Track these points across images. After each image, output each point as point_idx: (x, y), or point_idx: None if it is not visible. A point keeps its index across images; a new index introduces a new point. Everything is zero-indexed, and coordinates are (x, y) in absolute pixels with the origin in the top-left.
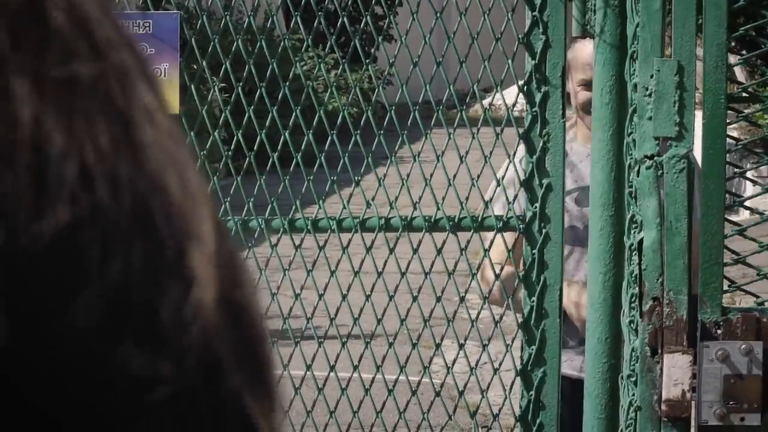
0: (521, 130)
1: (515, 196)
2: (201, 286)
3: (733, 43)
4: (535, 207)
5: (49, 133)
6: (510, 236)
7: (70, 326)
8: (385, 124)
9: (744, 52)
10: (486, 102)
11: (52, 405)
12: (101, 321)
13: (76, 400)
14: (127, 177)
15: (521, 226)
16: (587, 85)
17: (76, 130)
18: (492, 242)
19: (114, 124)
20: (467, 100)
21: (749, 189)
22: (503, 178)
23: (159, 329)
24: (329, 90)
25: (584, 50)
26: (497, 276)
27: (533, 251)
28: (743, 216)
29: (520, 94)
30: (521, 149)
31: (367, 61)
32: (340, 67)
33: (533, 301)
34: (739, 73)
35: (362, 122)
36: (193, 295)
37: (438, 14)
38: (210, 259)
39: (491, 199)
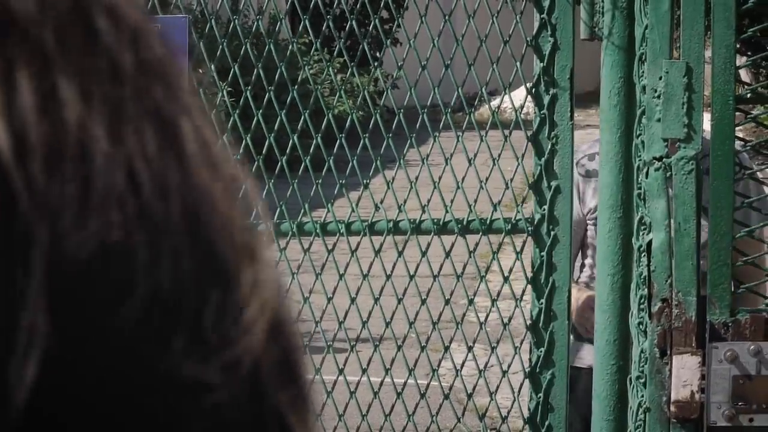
0: (529, 133)
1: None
2: (250, 300)
3: (738, 45)
4: (544, 209)
5: (96, 137)
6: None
7: (117, 332)
8: (393, 127)
9: (749, 53)
10: (494, 104)
11: (98, 409)
12: (149, 327)
13: (122, 405)
14: (175, 184)
15: (530, 228)
16: None
17: (123, 134)
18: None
19: (160, 131)
20: (475, 103)
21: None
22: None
23: (207, 339)
24: (337, 93)
25: None
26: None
27: (542, 253)
28: None
29: (528, 97)
30: (584, 147)
31: (375, 64)
32: (348, 70)
33: (542, 303)
34: (744, 75)
35: (370, 125)
36: (243, 309)
37: (446, 17)
38: (258, 274)
39: (499, 202)
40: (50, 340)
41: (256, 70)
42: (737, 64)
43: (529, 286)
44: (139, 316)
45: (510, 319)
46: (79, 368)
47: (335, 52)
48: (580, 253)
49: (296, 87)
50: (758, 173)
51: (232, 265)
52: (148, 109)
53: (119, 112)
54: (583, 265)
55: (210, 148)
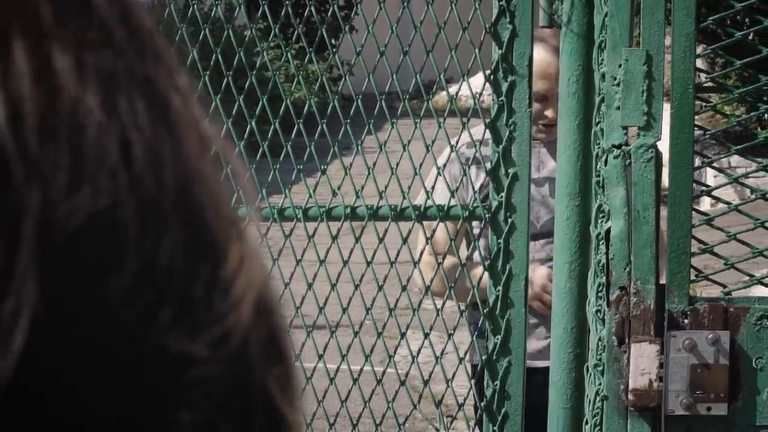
0: (487, 120)
1: (482, 185)
2: (238, 276)
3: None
4: (501, 196)
5: (90, 107)
6: (449, 225)
7: (105, 303)
8: (351, 113)
9: (706, 42)
10: (452, 91)
11: (84, 380)
12: (137, 299)
13: (108, 378)
14: (168, 158)
15: (487, 215)
16: (538, 99)
17: (116, 105)
18: (434, 232)
19: (153, 103)
20: (433, 90)
21: (710, 179)
22: (444, 166)
23: (196, 313)
24: (295, 80)
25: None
26: (439, 265)
27: (499, 240)
28: (705, 206)
29: (487, 84)
30: (464, 136)
31: (334, 50)
32: (306, 57)
33: (499, 291)
34: (700, 64)
35: (328, 112)
36: (232, 285)
37: (404, 3)
38: (245, 250)
39: (433, 188)
40: (38, 310)
41: (214, 56)
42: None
43: (486, 273)
44: (127, 288)
45: (467, 306)
46: (66, 340)
47: (293, 38)
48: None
49: (254, 72)
50: (715, 163)
51: (221, 240)
52: (141, 81)
53: (113, 84)
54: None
55: (199, 124)
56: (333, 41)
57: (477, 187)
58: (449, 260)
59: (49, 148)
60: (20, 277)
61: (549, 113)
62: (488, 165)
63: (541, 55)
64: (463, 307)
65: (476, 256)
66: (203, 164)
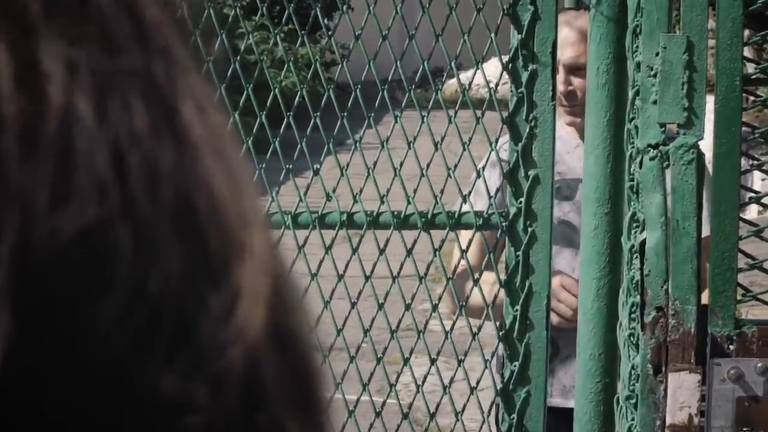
0: (505, 114)
1: (497, 189)
2: (247, 303)
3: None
4: (520, 202)
5: (80, 114)
6: (468, 235)
7: (91, 337)
8: (348, 104)
9: (754, 27)
10: (463, 78)
11: (64, 423)
12: (128, 333)
13: (96, 422)
14: (167, 169)
15: (504, 223)
16: (566, 68)
17: (111, 112)
18: (463, 244)
19: (155, 109)
20: (444, 78)
21: (758, 183)
22: (483, 168)
23: (196, 347)
24: (285, 66)
25: (564, 26)
26: (475, 282)
27: (517, 253)
28: (752, 214)
29: (504, 74)
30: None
31: (328, 32)
32: (299, 40)
33: (516, 311)
34: (747, 52)
35: (322, 103)
36: (238, 312)
37: None
38: (259, 274)
39: (470, 193)
40: (11, 342)
41: (194, 37)
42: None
43: (502, 291)
44: (116, 317)
45: (480, 328)
46: (45, 376)
47: (284, 18)
48: None
49: (237, 58)
50: (765, 166)
51: (227, 261)
52: (144, 84)
53: (109, 87)
54: None
55: (214, 132)
56: (326, 22)
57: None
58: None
59: (31, 159)
60: None
61: (578, 87)
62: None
63: (564, 31)
64: (475, 329)
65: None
66: (214, 178)
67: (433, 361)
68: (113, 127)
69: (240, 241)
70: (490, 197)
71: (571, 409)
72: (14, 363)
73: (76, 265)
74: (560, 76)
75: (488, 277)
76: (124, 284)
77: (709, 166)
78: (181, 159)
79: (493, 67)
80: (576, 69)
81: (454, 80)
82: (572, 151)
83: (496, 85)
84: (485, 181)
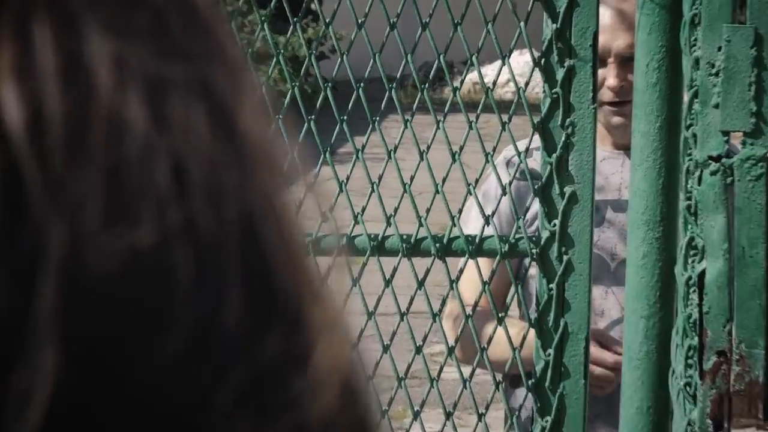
0: (537, 119)
1: (493, 212)
2: (321, 349)
3: None
4: (554, 225)
5: (134, 116)
6: (485, 264)
7: (146, 379)
8: (350, 107)
9: None
10: (475, 76)
11: None
12: (187, 372)
13: None
14: (232, 187)
15: (534, 250)
16: (605, 60)
17: (168, 115)
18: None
19: (217, 119)
20: (463, 76)
21: None
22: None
23: (266, 395)
24: (274, 59)
25: (611, 10)
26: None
27: (550, 285)
28: None
29: (536, 71)
30: (509, 150)
31: (327, 21)
32: (290, 28)
33: (549, 355)
34: None
35: (318, 104)
36: (312, 358)
37: None
38: (329, 314)
39: (493, 213)
40: (62, 383)
41: None
42: None
43: (532, 331)
44: (176, 356)
45: (504, 377)
46: (96, 422)
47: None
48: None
49: None
50: None
51: (297, 297)
52: (200, 86)
53: (164, 86)
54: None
55: (270, 144)
56: (314, 6)
57: (521, 212)
58: (480, 313)
59: (79, 166)
60: (36, 339)
61: (624, 80)
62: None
63: (613, 16)
64: (499, 378)
65: (514, 309)
66: (275, 196)
67: (448, 415)
68: (172, 135)
69: (311, 277)
70: (517, 218)
71: None
72: (61, 406)
73: (131, 292)
74: (611, 69)
75: (511, 319)
76: (184, 319)
77: None
78: (244, 175)
79: (515, 63)
80: (631, 60)
81: (468, 78)
82: (607, 159)
83: (526, 84)
84: (511, 197)
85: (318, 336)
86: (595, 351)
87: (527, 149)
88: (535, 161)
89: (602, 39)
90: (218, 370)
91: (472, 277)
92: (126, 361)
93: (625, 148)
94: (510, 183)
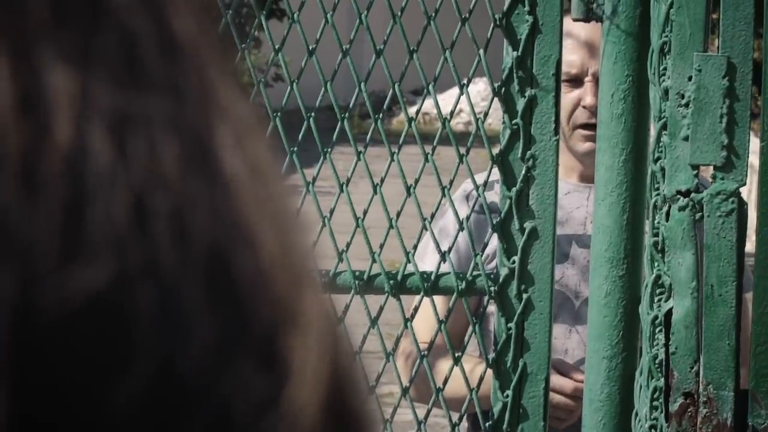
0: (495, 151)
1: (450, 247)
2: (299, 384)
3: None
4: (513, 262)
5: (95, 148)
6: (442, 301)
7: (106, 419)
8: (299, 137)
9: None
10: (430, 105)
11: None
12: (151, 421)
13: None
14: (200, 218)
15: (492, 288)
16: (570, 82)
17: (133, 147)
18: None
19: (185, 146)
20: (420, 106)
21: None
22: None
23: None
24: None
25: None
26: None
27: (509, 324)
28: None
29: (495, 100)
30: (468, 183)
31: (277, 47)
32: (239, 53)
33: (507, 397)
34: None
35: (267, 133)
36: (285, 396)
37: None
38: (315, 349)
39: (450, 249)
40: (12, 427)
41: None
42: None
43: (490, 371)
44: (138, 400)
45: (461, 417)
46: None
47: (220, 27)
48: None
49: None
50: None
51: (274, 337)
52: (172, 115)
53: (129, 118)
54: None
55: (257, 167)
56: (258, 33)
57: (479, 247)
58: (436, 352)
59: (34, 203)
60: None
61: (590, 103)
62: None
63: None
64: (455, 420)
65: (473, 347)
66: (259, 227)
67: None
68: (133, 168)
69: (291, 308)
70: (475, 254)
71: None
72: None
73: (88, 335)
74: (588, 88)
75: (468, 356)
76: (145, 360)
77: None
78: (218, 207)
79: (472, 91)
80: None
81: (424, 108)
82: (572, 193)
83: (484, 114)
84: (470, 233)
85: (294, 371)
86: (554, 378)
87: (485, 183)
88: (496, 194)
89: (578, 57)
90: (184, 410)
91: (428, 315)
92: (83, 404)
93: (592, 180)
94: (468, 217)
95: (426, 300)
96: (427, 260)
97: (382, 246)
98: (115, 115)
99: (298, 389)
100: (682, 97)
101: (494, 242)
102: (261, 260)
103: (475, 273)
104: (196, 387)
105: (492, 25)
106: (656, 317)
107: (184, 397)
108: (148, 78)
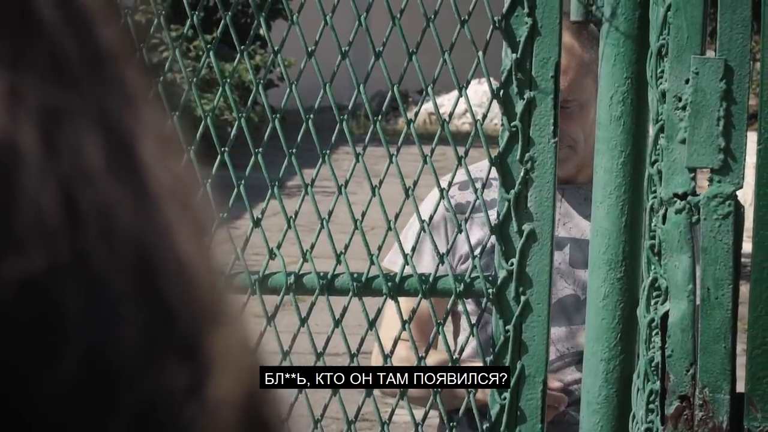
0: (494, 153)
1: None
2: (219, 378)
3: None
4: (512, 264)
5: (25, 148)
6: (407, 302)
7: (32, 410)
8: (299, 138)
9: None
10: (429, 107)
11: None
12: (76, 407)
13: None
14: (127, 216)
15: (491, 290)
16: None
17: (61, 146)
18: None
19: (111, 148)
20: (419, 107)
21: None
22: (431, 218)
23: (157, 425)
24: (220, 90)
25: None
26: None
27: (507, 327)
28: None
29: (494, 102)
30: (460, 174)
31: (277, 48)
32: (237, 57)
33: (504, 399)
34: None
35: (266, 136)
36: (207, 388)
37: None
38: (235, 344)
39: (448, 252)
40: None
41: None
42: None
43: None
44: (66, 385)
45: (458, 415)
46: None
47: (185, 29)
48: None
49: (161, 79)
50: None
51: (195, 326)
52: (98, 115)
53: (58, 117)
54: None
55: (177, 179)
56: (263, 32)
57: (477, 249)
58: (434, 356)
59: None
60: None
61: (569, 126)
62: (493, 217)
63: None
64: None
65: (471, 349)
66: (178, 227)
67: None
68: (62, 163)
69: (212, 307)
70: (473, 256)
71: None
72: None
73: (17, 324)
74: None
75: (436, 358)
76: (72, 349)
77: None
78: (141, 207)
79: (473, 92)
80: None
81: (423, 108)
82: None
83: (484, 116)
84: (431, 236)
85: (216, 364)
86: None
87: (451, 184)
88: (471, 194)
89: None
90: (110, 398)
91: (425, 319)
92: (15, 390)
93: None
94: (466, 219)
95: (424, 302)
96: (423, 261)
97: (380, 248)
98: (44, 111)
99: (219, 382)
100: (680, 99)
101: (476, 235)
102: (183, 260)
103: (474, 275)
104: (123, 376)
105: (491, 27)
106: (652, 320)
107: (111, 386)
108: (75, 81)
